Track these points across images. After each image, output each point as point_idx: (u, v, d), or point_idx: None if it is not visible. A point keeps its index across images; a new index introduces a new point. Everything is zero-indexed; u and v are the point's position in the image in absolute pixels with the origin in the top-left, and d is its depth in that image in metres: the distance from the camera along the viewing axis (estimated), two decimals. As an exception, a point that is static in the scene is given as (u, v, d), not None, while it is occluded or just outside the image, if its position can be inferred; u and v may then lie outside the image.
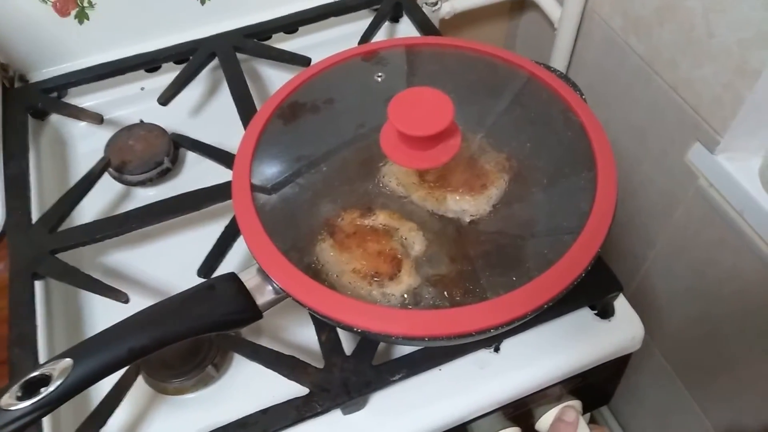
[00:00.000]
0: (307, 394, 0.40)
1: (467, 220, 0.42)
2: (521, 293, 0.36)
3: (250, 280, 0.37)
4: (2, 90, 0.59)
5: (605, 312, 0.45)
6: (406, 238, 0.41)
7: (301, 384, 0.40)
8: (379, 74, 0.46)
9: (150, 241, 0.53)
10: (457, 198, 0.42)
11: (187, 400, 0.44)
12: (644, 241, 0.76)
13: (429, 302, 0.38)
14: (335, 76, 0.48)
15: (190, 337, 0.35)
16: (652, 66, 0.64)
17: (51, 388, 0.31)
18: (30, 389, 0.31)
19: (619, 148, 0.75)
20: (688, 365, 0.77)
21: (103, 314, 0.48)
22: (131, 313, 0.35)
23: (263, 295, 0.37)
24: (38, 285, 0.47)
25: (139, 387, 0.43)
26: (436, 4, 0.75)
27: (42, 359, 0.43)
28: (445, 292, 0.38)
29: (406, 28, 0.65)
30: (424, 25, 0.62)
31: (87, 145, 0.59)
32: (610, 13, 0.68)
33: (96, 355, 0.32)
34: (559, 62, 0.78)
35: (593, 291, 0.44)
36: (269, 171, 0.43)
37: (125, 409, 0.43)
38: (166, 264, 0.51)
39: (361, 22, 0.64)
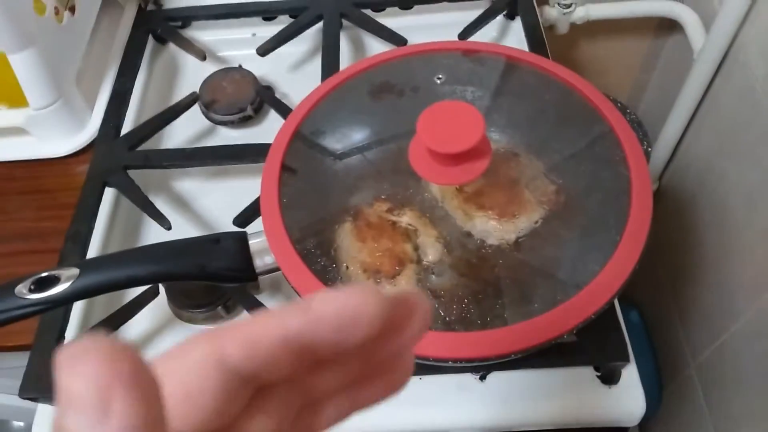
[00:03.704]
0: (283, 362, 0.42)
1: (489, 243, 0.41)
2: (514, 330, 0.35)
3: (256, 243, 0.40)
4: (137, 10, 0.66)
5: (609, 378, 0.42)
6: (422, 244, 0.41)
7: (283, 350, 0.42)
8: (439, 77, 0.45)
9: (217, 179, 0.57)
10: (485, 218, 0.42)
11: (196, 330, 0.48)
12: (728, 312, 0.69)
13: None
14: (407, 67, 0.48)
15: (184, 280, 0.38)
16: (784, 128, 0.57)
17: (58, 288, 0.36)
18: (41, 285, 0.36)
19: (729, 206, 0.67)
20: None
21: (159, 232, 0.53)
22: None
23: (263, 261, 0.39)
24: (110, 193, 0.53)
25: (164, 305, 0.48)
26: (569, 6, 0.71)
27: (90, 257, 0.49)
28: (441, 310, 0.38)
29: (519, 29, 0.62)
30: (531, 31, 0.59)
31: (196, 77, 0.64)
32: (756, 56, 0.61)
33: (99, 273, 0.36)
34: (689, 95, 0.70)
35: (599, 353, 0.42)
36: (311, 148, 0.45)
37: (145, 319, 0.48)
38: (222, 204, 0.55)
39: (477, 11, 0.63)
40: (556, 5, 0.72)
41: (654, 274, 0.88)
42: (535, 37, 0.58)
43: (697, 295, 0.76)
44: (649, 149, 0.38)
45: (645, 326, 0.91)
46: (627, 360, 0.41)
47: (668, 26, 0.79)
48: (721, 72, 0.67)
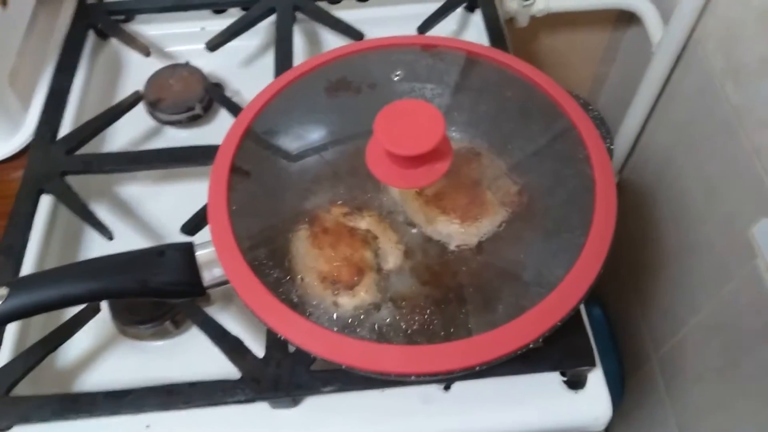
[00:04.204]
0: (237, 380, 0.39)
1: (451, 247, 0.39)
2: (479, 342, 0.34)
3: (204, 254, 0.37)
4: (77, 2, 0.62)
5: (575, 383, 0.41)
6: (382, 250, 0.39)
7: (236, 367, 0.40)
8: (397, 73, 0.43)
9: (164, 183, 0.54)
10: (447, 222, 0.40)
11: (142, 346, 0.45)
12: (688, 305, 0.69)
13: (380, 325, 0.36)
14: (365, 62, 0.46)
15: (127, 297, 0.35)
16: (741, 121, 0.57)
17: (-16, 311, 0.33)
18: (-35, 307, 0.33)
19: (688, 199, 0.68)
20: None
21: (102, 242, 0.49)
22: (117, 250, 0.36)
23: (211, 274, 0.37)
24: (47, 201, 0.49)
25: (107, 321, 0.45)
26: (528, -1, 0.70)
27: (26, 271, 0.45)
28: (403, 321, 0.36)
29: (480, 22, 0.60)
30: (492, 24, 0.57)
31: (141, 74, 0.60)
32: (714, 50, 0.60)
33: (31, 292, 0.33)
34: (648, 88, 0.70)
35: (565, 358, 0.40)
36: (263, 149, 0.42)
37: (87, 337, 0.45)
38: (170, 210, 0.51)
39: (436, 4, 0.61)
40: (516, -3, 0.70)
41: (615, 269, 0.88)
42: (495, 31, 0.57)
43: (658, 289, 0.77)
44: (612, 147, 0.37)
45: (607, 320, 0.91)
46: (593, 365, 0.40)
47: (627, 19, 0.78)
48: (680, 65, 0.67)
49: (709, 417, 0.68)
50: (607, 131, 0.40)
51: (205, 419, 0.40)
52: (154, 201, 0.53)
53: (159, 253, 0.36)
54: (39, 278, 0.35)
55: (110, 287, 0.35)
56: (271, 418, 0.40)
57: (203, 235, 0.43)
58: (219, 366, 0.41)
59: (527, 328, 0.33)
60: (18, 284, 0.34)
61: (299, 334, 0.33)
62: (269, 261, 0.37)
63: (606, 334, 0.89)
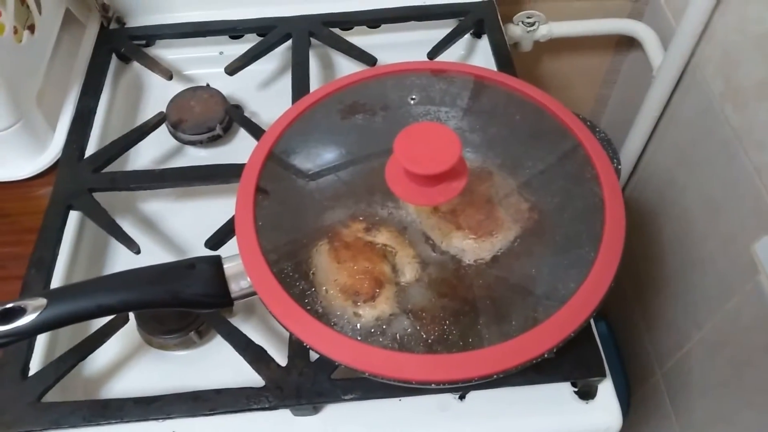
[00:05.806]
0: (261, 387, 0.41)
1: (466, 261, 0.41)
2: (497, 351, 0.35)
3: (232, 267, 0.39)
4: (99, 28, 0.64)
5: (586, 393, 0.43)
6: (399, 264, 0.41)
7: (260, 375, 0.42)
8: (413, 97, 0.45)
9: (183, 200, 0.56)
10: (462, 237, 0.42)
11: (168, 356, 0.47)
12: (692, 320, 0.71)
13: (400, 335, 0.38)
14: (380, 86, 0.48)
15: (158, 307, 0.37)
16: (742, 142, 0.59)
17: (25, 320, 0.34)
18: (7, 316, 0.34)
19: (690, 217, 0.70)
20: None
21: (127, 256, 0.51)
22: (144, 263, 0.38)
23: (239, 286, 0.38)
24: (74, 216, 0.51)
25: (133, 331, 0.47)
26: (533, 24, 0.72)
27: (55, 284, 0.47)
28: (422, 331, 0.38)
29: (486, 47, 0.63)
30: (499, 50, 0.60)
31: (162, 96, 0.62)
32: (713, 74, 0.63)
33: (67, 303, 0.35)
34: (649, 111, 0.73)
35: (576, 369, 0.42)
36: (285, 169, 0.44)
37: (114, 346, 0.47)
38: (189, 225, 0.54)
39: (444, 30, 0.63)
40: (520, 23, 0.73)
41: (619, 285, 0.89)
42: (503, 56, 0.59)
43: (662, 306, 0.78)
44: (619, 167, 0.39)
45: (612, 335, 0.93)
46: (603, 375, 0.42)
47: (627, 43, 0.81)
48: (680, 88, 0.70)
49: (713, 431, 0.69)
50: (614, 152, 0.42)
51: (228, 426, 0.41)
52: (175, 216, 0.55)
53: (189, 266, 0.38)
54: (75, 289, 0.37)
55: (143, 298, 0.36)
56: (292, 425, 0.41)
57: (226, 250, 0.45)
58: (240, 376, 0.43)
59: (544, 338, 0.35)
60: (55, 294, 0.35)
61: (326, 343, 0.35)
62: (294, 274, 0.39)
63: (611, 349, 0.90)
